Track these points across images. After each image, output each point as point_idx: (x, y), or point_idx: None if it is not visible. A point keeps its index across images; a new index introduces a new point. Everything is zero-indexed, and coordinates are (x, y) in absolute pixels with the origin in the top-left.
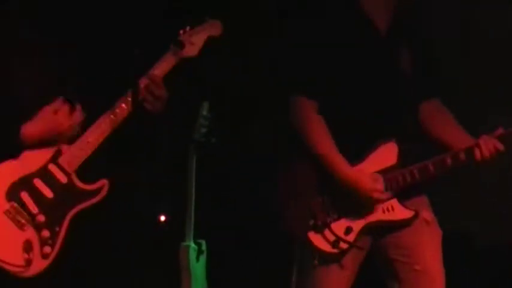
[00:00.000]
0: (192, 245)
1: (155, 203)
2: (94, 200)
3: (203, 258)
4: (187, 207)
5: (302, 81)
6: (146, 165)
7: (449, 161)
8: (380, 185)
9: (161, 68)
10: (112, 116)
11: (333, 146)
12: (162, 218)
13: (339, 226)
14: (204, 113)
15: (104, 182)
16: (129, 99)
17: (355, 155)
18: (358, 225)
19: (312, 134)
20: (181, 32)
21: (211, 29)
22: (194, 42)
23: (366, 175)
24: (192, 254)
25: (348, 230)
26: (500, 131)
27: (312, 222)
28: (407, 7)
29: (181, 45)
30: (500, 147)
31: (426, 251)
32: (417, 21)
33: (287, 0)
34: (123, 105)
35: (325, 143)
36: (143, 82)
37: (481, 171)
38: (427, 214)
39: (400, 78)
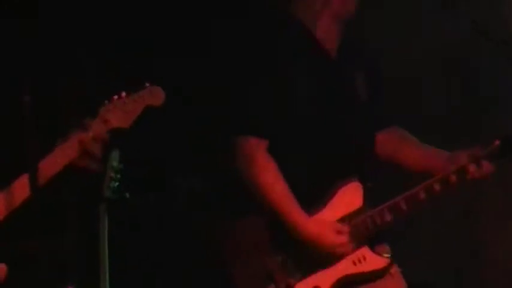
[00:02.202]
0: None
1: (61, 274)
2: None
3: None
4: (101, 276)
5: (249, 118)
6: (48, 234)
7: (422, 194)
8: (344, 237)
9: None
10: (8, 198)
11: (288, 193)
12: None
13: (305, 287)
14: (114, 164)
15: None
16: (27, 182)
17: (315, 200)
18: (326, 283)
19: (263, 181)
20: (115, 97)
21: (151, 98)
22: (128, 111)
23: (327, 228)
24: None
25: None
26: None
27: (272, 286)
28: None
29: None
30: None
31: None
32: (364, 48)
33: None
34: (21, 186)
35: (278, 191)
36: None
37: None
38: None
39: (356, 107)
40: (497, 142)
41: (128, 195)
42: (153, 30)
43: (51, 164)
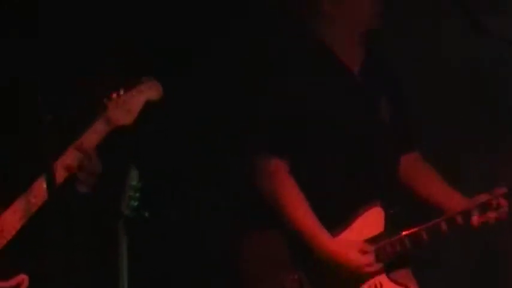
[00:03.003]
0: None
1: None
2: None
3: None
4: None
5: (271, 138)
6: (65, 253)
7: (444, 226)
8: (370, 256)
9: (91, 140)
10: (26, 203)
11: (311, 213)
12: None
13: None
14: (133, 182)
15: (22, 278)
16: (44, 184)
17: (336, 223)
18: None
19: (285, 200)
20: (114, 95)
21: (150, 91)
22: (129, 108)
23: (352, 247)
24: None
25: None
26: (502, 189)
27: None
28: (377, 48)
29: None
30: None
31: None
32: (389, 66)
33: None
34: (38, 191)
35: (301, 211)
36: (68, 157)
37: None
38: None
39: (380, 127)
40: (504, 190)
41: (147, 214)
42: (165, 39)
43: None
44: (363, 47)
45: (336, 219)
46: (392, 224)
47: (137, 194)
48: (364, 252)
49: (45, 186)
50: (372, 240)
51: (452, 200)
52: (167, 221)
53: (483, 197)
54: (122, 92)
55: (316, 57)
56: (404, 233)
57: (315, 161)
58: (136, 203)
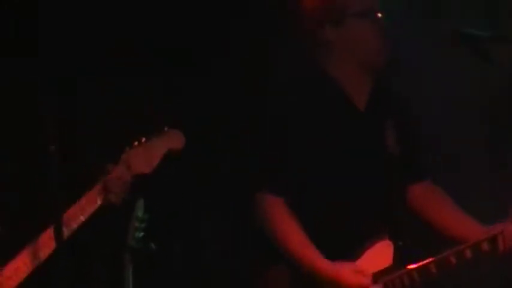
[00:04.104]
0: None
1: None
2: None
3: None
4: None
5: (266, 176)
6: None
7: (453, 259)
8: (366, 278)
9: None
10: (34, 252)
11: (306, 241)
12: None
13: None
14: (139, 214)
15: None
16: (52, 234)
17: (343, 257)
18: None
19: (280, 235)
20: (135, 143)
21: (171, 141)
22: (150, 157)
23: (346, 269)
24: None
25: None
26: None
27: None
28: (384, 80)
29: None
30: None
31: None
32: (396, 95)
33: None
34: (46, 240)
35: (296, 240)
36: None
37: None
38: None
39: (386, 160)
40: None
41: (153, 245)
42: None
43: (77, 215)
44: (369, 78)
45: (344, 253)
46: (401, 257)
47: (143, 225)
48: (357, 272)
49: (53, 237)
50: (381, 274)
51: (467, 229)
52: (170, 253)
53: (497, 228)
54: (143, 140)
55: (319, 89)
56: (412, 266)
57: (319, 195)
58: (142, 234)
